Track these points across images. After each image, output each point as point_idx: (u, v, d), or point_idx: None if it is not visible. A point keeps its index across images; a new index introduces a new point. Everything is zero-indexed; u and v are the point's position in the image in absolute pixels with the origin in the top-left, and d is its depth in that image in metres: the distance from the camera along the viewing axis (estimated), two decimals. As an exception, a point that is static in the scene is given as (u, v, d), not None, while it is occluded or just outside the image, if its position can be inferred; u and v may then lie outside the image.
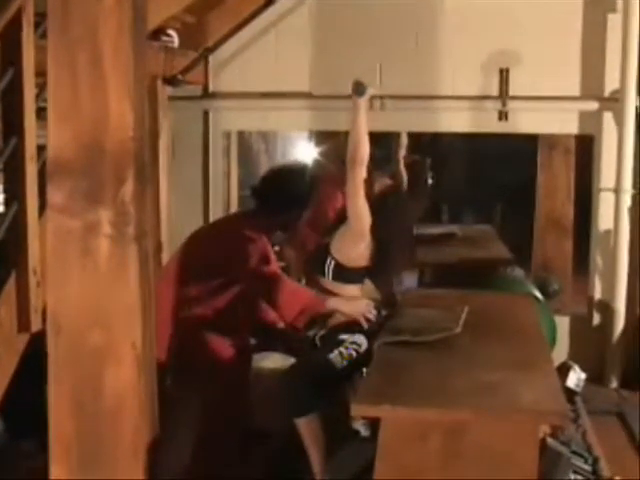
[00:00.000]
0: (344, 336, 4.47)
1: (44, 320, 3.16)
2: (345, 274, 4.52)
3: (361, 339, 4.47)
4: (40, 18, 3.51)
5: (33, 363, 3.46)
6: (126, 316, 2.80)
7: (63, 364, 2.85)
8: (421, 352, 3.92)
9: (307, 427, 4.29)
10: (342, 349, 4.42)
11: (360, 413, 3.21)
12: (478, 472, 3.11)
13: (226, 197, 6.99)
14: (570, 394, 5.14)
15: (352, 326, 4.51)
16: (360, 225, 4.41)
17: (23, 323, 3.51)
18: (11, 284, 3.47)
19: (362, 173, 4.34)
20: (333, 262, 4.50)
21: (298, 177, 4.84)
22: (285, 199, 4.64)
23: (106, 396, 2.83)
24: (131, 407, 2.84)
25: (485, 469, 3.11)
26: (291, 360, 4.59)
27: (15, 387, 3.54)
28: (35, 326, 3.52)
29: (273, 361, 4.65)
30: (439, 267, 7.09)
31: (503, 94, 6.42)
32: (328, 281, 4.54)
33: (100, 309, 2.80)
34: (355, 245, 4.48)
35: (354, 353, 4.43)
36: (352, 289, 4.58)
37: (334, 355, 4.40)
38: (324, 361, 4.39)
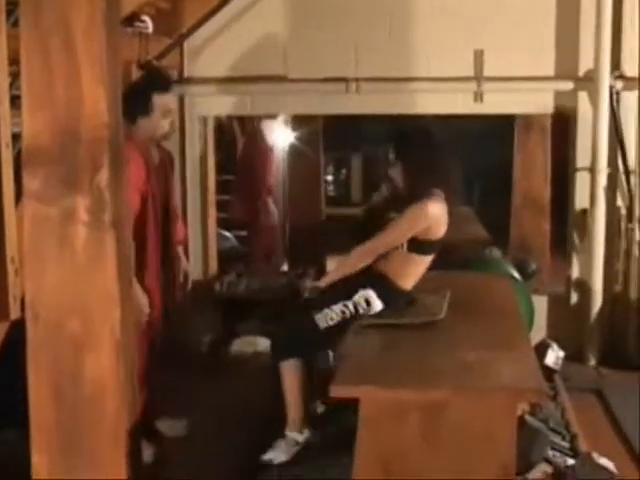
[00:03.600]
0: (360, 291, 4.49)
1: (23, 308, 3.16)
2: (420, 246, 4.50)
3: (374, 300, 4.47)
4: (12, 6, 3.50)
5: (12, 351, 3.46)
6: (104, 302, 2.80)
7: (42, 352, 2.85)
8: (400, 333, 3.96)
9: (287, 371, 4.42)
10: (328, 310, 4.44)
11: (339, 394, 3.22)
12: (457, 450, 3.15)
13: (204, 182, 6.98)
14: (549, 372, 5.19)
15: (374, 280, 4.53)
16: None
17: (2, 312, 3.51)
18: (-11, 273, 3.46)
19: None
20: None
21: None
22: None
23: (86, 383, 2.83)
24: (111, 393, 2.84)
25: (464, 447, 3.15)
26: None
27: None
28: (14, 314, 3.51)
29: (252, 344, 4.68)
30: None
31: (478, 75, 6.44)
32: (402, 252, 4.49)
33: (78, 296, 2.80)
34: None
35: (344, 314, 4.45)
36: (425, 259, 4.54)
37: (320, 316, 4.45)
38: (309, 319, 4.46)
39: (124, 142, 4.43)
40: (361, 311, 4.40)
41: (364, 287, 4.43)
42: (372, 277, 4.47)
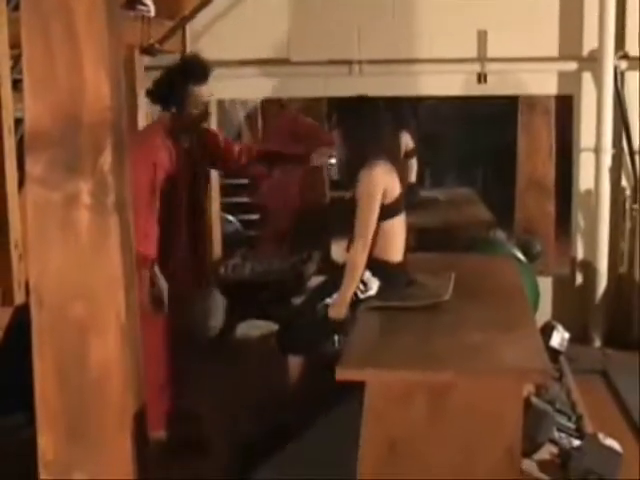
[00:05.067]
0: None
1: (28, 293, 3.16)
2: (386, 212, 4.48)
3: (370, 279, 4.45)
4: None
5: (19, 335, 3.47)
6: (109, 286, 2.80)
7: (47, 336, 2.85)
8: (406, 316, 3.95)
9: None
10: (330, 299, 4.47)
11: (345, 377, 3.21)
12: (463, 432, 3.14)
13: (207, 166, 6.96)
14: (554, 354, 5.17)
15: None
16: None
17: (6, 297, 3.51)
18: (-7, 258, 3.47)
19: None
20: None
21: None
22: None
23: (91, 367, 2.84)
24: (116, 377, 2.84)
25: (470, 429, 3.14)
26: (275, 327, 4.64)
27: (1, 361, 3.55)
28: (19, 299, 3.52)
29: (259, 328, 4.68)
30: (422, 231, 7.11)
31: (481, 56, 6.42)
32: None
33: (82, 280, 2.80)
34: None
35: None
36: (396, 221, 4.54)
37: (323, 305, 4.49)
38: (313, 311, 4.52)
39: (153, 125, 4.50)
40: (360, 294, 4.40)
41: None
42: None
